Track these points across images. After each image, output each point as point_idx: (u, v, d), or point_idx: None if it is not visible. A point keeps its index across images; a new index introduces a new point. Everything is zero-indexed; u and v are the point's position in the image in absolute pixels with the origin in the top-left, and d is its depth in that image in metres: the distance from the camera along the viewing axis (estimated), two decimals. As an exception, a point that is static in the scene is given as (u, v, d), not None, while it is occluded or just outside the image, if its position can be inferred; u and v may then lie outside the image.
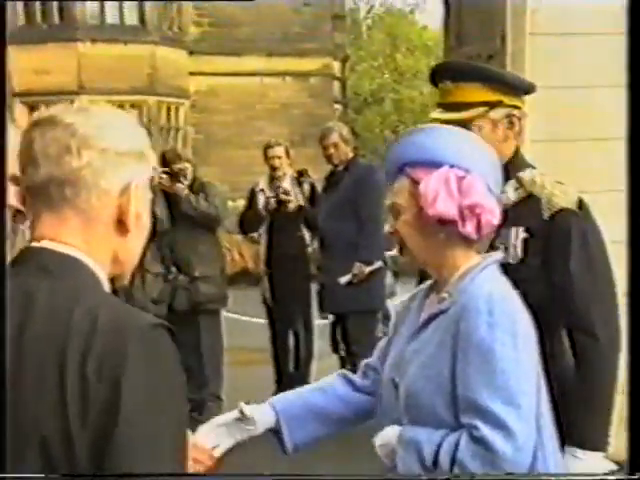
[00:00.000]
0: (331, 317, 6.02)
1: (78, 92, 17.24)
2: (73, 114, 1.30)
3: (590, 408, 2.21)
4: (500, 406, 1.71)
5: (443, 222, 1.81)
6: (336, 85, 21.70)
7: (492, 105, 2.33)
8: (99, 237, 1.31)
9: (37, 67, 16.98)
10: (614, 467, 2.21)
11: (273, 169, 6.22)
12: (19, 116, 16.17)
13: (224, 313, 6.03)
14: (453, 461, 1.73)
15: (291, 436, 2.00)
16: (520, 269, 2.20)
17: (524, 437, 1.73)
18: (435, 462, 1.75)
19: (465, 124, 2.18)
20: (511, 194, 2.31)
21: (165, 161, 5.58)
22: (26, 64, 17.07)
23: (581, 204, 2.29)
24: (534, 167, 2.39)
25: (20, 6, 17.40)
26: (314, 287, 6.10)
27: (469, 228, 1.81)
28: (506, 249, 2.24)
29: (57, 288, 1.25)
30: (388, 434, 1.86)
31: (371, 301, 5.69)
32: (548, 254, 2.26)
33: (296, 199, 6.10)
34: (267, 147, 6.28)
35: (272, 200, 6.09)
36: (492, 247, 2.05)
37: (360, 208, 5.48)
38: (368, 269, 5.53)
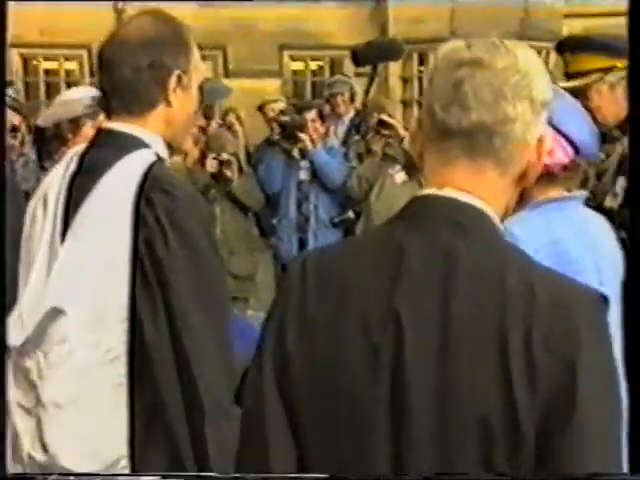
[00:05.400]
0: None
1: (450, 39, 17.75)
2: (501, 58, 1.23)
3: None
4: None
5: None
6: None
7: (607, 70, 2.64)
8: (504, 191, 1.23)
9: (412, 17, 17.83)
10: None
11: None
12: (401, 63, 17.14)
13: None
14: None
15: None
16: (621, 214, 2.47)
17: None
18: None
19: (586, 89, 2.62)
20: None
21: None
22: (403, 15, 18.04)
23: None
24: None
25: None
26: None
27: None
28: (614, 195, 2.64)
29: (476, 246, 1.17)
30: None
31: None
32: None
33: None
34: None
35: None
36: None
37: None
38: None
